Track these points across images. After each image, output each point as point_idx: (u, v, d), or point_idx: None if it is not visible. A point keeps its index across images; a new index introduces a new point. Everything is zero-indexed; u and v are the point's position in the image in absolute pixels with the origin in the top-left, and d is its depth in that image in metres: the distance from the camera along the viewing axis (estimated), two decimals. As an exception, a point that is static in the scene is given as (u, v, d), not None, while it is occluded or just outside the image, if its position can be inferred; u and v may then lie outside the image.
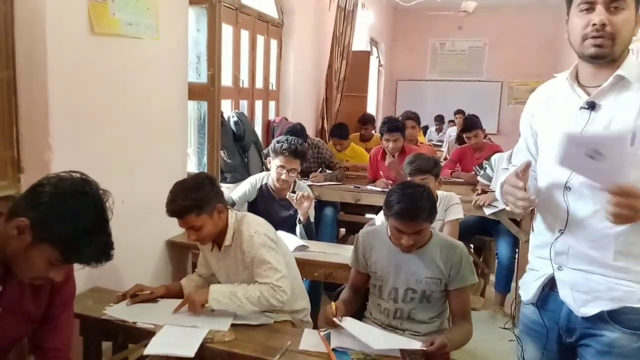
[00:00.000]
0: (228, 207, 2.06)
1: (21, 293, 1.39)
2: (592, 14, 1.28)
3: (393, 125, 3.89)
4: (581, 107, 1.35)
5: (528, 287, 1.50)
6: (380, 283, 1.99)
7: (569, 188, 1.34)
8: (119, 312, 1.93)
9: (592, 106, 1.33)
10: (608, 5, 1.26)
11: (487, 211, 3.31)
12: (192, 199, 1.88)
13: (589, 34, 1.29)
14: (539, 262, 1.46)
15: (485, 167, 3.59)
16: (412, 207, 1.80)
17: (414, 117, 5.14)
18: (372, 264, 2.00)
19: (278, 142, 2.86)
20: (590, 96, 1.34)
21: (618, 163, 1.17)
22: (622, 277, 1.30)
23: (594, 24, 1.27)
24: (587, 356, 1.39)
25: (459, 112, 7.70)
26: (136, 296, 2.02)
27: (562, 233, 1.37)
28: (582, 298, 1.35)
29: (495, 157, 3.52)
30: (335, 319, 1.77)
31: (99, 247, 1.28)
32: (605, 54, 1.29)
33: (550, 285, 1.43)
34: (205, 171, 3.06)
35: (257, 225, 2.02)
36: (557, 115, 1.41)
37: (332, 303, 1.86)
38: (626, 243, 1.29)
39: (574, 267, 1.36)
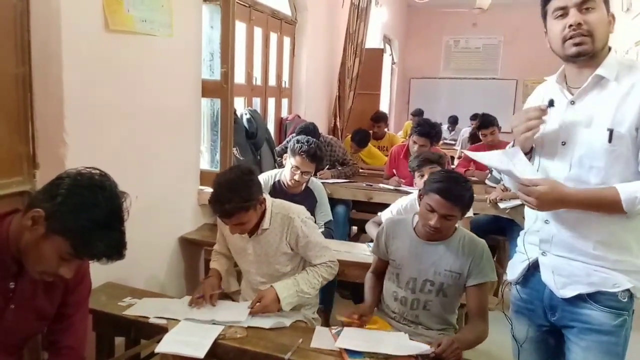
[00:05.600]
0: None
1: (34, 290, 1.39)
2: (567, 18, 1.39)
3: (425, 130, 3.76)
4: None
5: (515, 268, 1.63)
6: (398, 271, 2.00)
7: None
8: (137, 309, 1.94)
9: None
10: (580, 7, 1.37)
11: (502, 205, 3.28)
12: (242, 199, 1.87)
13: (568, 35, 1.39)
14: (527, 247, 1.58)
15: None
16: (453, 189, 1.84)
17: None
18: (392, 251, 2.03)
19: (298, 141, 2.77)
20: (573, 96, 1.44)
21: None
22: (600, 264, 1.41)
23: (571, 25, 1.37)
24: (571, 337, 1.50)
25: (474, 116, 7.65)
26: (211, 296, 2.00)
27: (547, 223, 1.49)
28: (562, 281, 1.47)
29: None
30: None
31: (111, 243, 1.26)
32: (586, 51, 1.38)
33: (534, 267, 1.55)
34: (219, 168, 3.08)
35: (303, 211, 2.13)
36: (549, 114, 1.50)
37: (357, 312, 1.90)
38: (606, 234, 1.40)
39: (557, 253, 1.48)
